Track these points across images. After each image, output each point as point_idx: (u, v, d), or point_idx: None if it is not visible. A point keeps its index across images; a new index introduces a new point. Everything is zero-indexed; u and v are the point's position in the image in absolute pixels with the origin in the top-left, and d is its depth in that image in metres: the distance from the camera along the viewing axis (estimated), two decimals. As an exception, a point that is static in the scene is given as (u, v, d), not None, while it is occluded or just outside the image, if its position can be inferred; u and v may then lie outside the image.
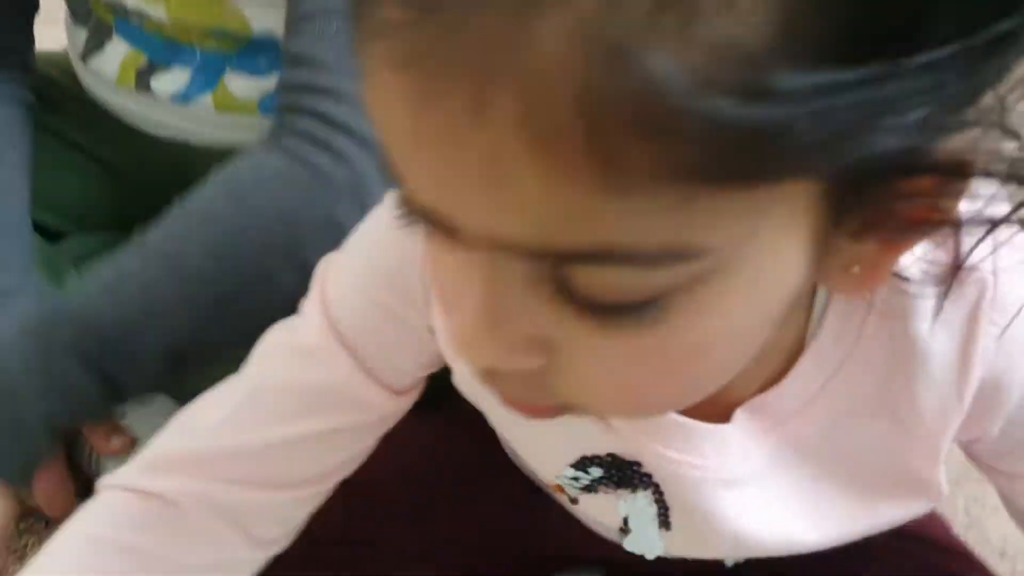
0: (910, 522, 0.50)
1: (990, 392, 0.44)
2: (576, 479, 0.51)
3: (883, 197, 0.31)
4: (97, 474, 0.75)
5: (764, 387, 0.44)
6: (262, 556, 0.55)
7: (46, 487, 0.72)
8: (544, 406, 0.37)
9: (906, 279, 0.38)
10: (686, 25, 0.24)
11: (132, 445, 0.76)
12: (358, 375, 0.51)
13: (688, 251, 0.28)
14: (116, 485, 0.53)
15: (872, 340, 0.42)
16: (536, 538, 0.66)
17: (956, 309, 0.41)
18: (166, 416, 0.56)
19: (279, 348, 0.54)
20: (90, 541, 0.51)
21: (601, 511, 0.53)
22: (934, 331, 0.42)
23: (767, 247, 0.30)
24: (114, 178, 1.00)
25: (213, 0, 0.82)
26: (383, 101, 0.28)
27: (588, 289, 0.30)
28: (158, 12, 0.84)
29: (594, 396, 0.35)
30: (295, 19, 0.70)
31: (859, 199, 0.30)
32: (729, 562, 0.59)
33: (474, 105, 0.26)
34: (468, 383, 0.51)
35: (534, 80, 0.25)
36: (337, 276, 0.53)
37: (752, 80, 0.24)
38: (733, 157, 0.26)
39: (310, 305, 0.54)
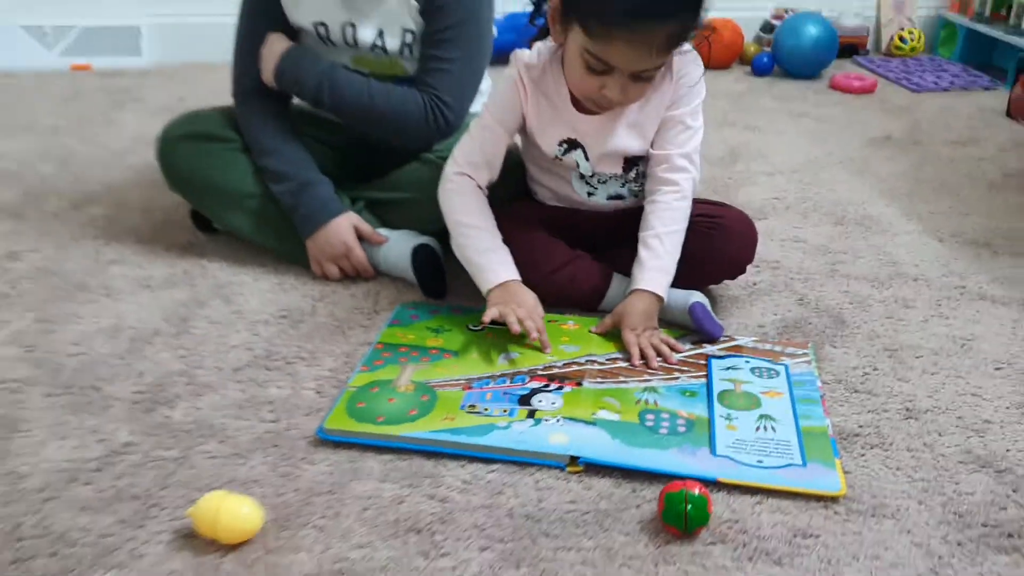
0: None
1: (676, 81, 1.37)
2: (560, 148, 1.40)
3: None
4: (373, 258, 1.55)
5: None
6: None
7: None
8: (609, 106, 1.33)
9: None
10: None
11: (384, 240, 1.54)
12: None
13: None
14: (455, 173, 1.41)
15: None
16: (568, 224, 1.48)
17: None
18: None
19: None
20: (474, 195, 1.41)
21: (569, 161, 1.42)
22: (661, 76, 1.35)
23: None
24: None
25: (394, 64, 1.56)
26: (615, 48, 1.22)
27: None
28: (361, 69, 1.58)
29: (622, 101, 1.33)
30: (424, 65, 1.52)
31: None
32: (601, 197, 1.45)
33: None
34: (546, 142, 1.41)
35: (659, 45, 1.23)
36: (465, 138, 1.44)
37: None
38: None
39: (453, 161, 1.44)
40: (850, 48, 3.11)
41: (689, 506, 0.95)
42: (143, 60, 2.84)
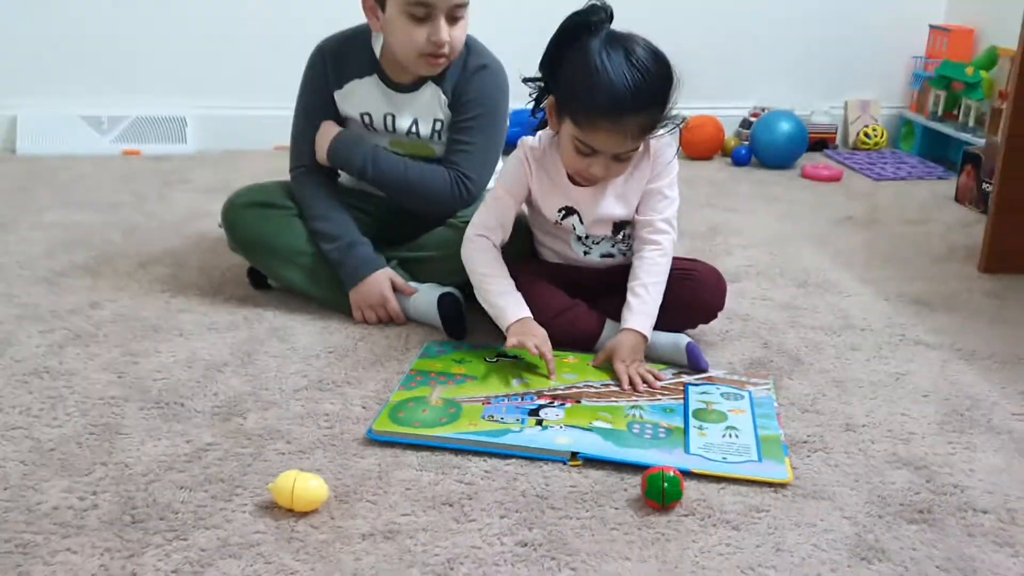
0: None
1: (653, 160, 1.68)
2: (559, 214, 1.71)
3: None
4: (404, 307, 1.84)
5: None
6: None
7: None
8: (596, 180, 1.63)
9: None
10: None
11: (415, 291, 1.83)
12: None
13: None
14: (476, 235, 1.71)
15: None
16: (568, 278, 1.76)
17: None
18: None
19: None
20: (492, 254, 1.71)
21: (567, 225, 1.71)
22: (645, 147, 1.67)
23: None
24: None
25: (425, 147, 1.80)
26: (598, 135, 1.54)
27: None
28: (398, 150, 1.84)
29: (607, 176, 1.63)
30: (451, 148, 1.86)
31: None
32: (596, 255, 1.76)
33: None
34: (548, 209, 1.72)
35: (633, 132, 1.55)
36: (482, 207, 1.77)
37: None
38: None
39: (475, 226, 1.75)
40: (820, 143, 3.46)
41: (666, 483, 1.21)
42: (188, 147, 3.16)
